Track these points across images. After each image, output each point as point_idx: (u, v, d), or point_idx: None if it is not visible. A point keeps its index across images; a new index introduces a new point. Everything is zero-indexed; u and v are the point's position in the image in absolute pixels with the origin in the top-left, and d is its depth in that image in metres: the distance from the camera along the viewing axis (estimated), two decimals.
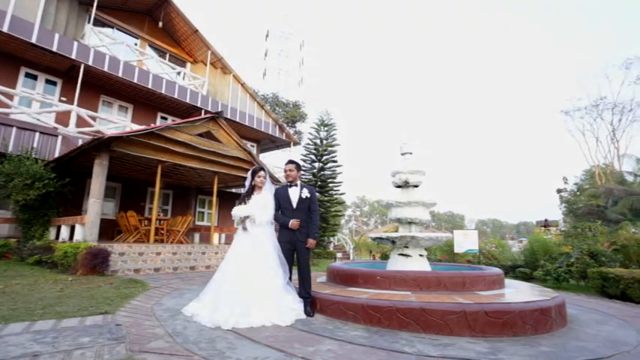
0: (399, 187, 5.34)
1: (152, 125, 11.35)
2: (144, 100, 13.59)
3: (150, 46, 14.53)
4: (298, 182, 4.01)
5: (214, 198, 10.76)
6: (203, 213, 15.49)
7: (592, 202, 25.81)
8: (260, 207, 3.78)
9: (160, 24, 14.04)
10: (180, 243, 9.81)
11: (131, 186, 12.58)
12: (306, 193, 3.86)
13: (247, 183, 4.01)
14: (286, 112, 22.43)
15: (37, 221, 8.90)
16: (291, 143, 19.16)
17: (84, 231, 7.42)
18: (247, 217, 3.76)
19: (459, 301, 3.36)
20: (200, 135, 9.28)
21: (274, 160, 20.50)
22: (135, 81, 12.14)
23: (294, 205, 3.85)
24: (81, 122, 10.74)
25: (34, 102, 10.52)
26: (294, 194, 3.86)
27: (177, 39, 15.33)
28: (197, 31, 14.54)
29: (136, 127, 11.85)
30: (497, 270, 4.60)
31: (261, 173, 3.96)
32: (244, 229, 3.73)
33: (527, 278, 8.49)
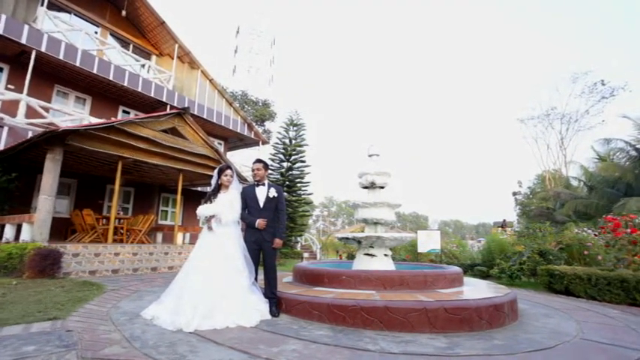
0: (365, 188, 5.43)
1: (113, 119, 10.72)
2: (104, 92, 12.83)
3: (112, 35, 13.76)
4: (266, 181, 3.96)
5: (179, 196, 10.38)
6: (167, 212, 14.90)
7: (542, 204, 27.71)
8: (226, 206, 3.69)
9: (124, 13, 13.31)
10: (142, 243, 9.36)
11: (88, 183, 11.82)
12: (273, 193, 3.82)
13: (213, 181, 3.91)
14: (255, 111, 22.08)
15: None
16: (260, 142, 18.90)
17: (32, 230, 6.87)
18: (213, 216, 3.66)
19: (420, 299, 3.48)
20: (165, 131, 8.92)
21: (242, 159, 20.11)
22: (94, 71, 11.42)
23: (261, 204, 3.80)
24: (31, 113, 9.94)
25: None
26: (262, 193, 3.81)
27: (142, 30, 14.62)
28: (164, 22, 13.95)
29: (94, 120, 11.17)
30: (457, 269, 4.81)
31: (228, 172, 3.88)
32: (209, 228, 3.63)
33: (485, 276, 8.94)
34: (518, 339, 3.07)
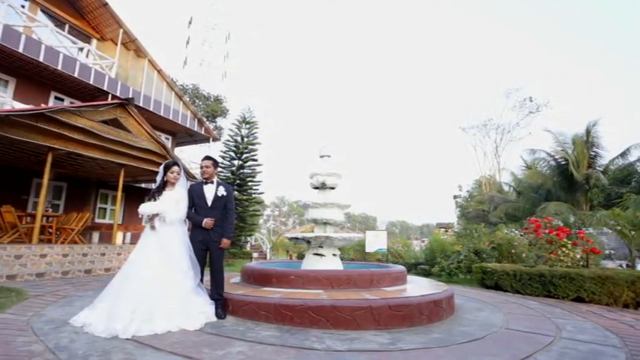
0: (316, 188, 5.48)
1: (43, 105, 9.64)
2: (33, 75, 11.48)
3: (43, 11, 12.36)
4: (215, 179, 3.82)
5: (119, 193, 9.62)
6: (105, 209, 13.74)
7: (479, 207, 30.12)
8: (172, 204, 3.51)
9: None
10: (75, 243, 8.52)
11: (10, 175, 10.50)
12: (222, 191, 3.70)
13: (159, 178, 3.69)
14: (207, 106, 21.22)
15: None
16: (211, 138, 18.19)
17: None
18: (157, 214, 3.45)
19: (366, 297, 3.59)
20: (105, 122, 8.22)
21: (191, 156, 19.23)
22: (20, 50, 10.18)
23: (209, 203, 3.66)
24: None
25: None
26: (210, 192, 3.66)
27: (80, 10, 13.32)
28: (107, 4, 12.84)
29: (19, 105, 9.97)
30: (401, 267, 5.05)
31: (175, 169, 3.69)
32: (152, 227, 3.43)
33: (427, 274, 9.49)
34: (454, 332, 3.31)
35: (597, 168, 17.13)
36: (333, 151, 5.62)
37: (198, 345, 2.70)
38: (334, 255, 5.10)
